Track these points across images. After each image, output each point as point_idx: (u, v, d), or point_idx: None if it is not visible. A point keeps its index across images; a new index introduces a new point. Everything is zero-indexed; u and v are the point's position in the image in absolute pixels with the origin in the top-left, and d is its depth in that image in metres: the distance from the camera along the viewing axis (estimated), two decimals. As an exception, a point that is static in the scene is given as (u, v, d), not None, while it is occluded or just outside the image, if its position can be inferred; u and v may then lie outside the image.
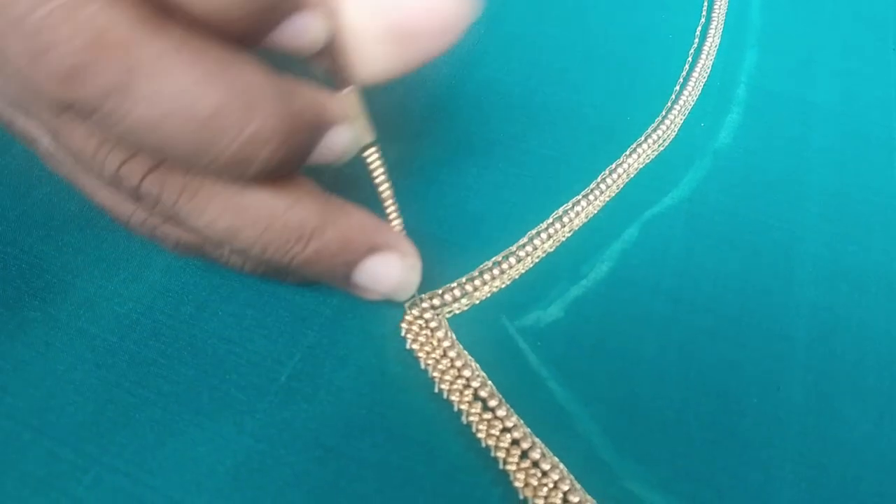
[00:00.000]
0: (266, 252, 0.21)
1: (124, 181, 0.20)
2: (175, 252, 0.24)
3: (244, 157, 0.19)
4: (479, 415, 0.22)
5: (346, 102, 0.21)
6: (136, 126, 0.18)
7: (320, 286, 0.25)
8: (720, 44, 0.35)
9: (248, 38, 0.19)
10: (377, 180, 0.24)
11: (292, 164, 0.20)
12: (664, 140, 0.31)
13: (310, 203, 0.21)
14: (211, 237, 0.21)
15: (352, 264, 0.23)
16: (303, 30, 0.20)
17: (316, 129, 0.20)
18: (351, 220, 0.22)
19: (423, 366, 0.23)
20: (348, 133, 0.22)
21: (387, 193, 0.24)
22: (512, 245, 0.26)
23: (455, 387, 0.23)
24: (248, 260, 0.23)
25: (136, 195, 0.21)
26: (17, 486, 0.21)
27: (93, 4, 0.17)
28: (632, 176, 0.29)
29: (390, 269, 0.23)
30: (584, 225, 0.28)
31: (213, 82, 0.18)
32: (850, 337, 0.25)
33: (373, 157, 0.23)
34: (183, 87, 0.17)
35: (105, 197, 0.23)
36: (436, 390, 0.23)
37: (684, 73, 0.33)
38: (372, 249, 0.23)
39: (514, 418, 0.22)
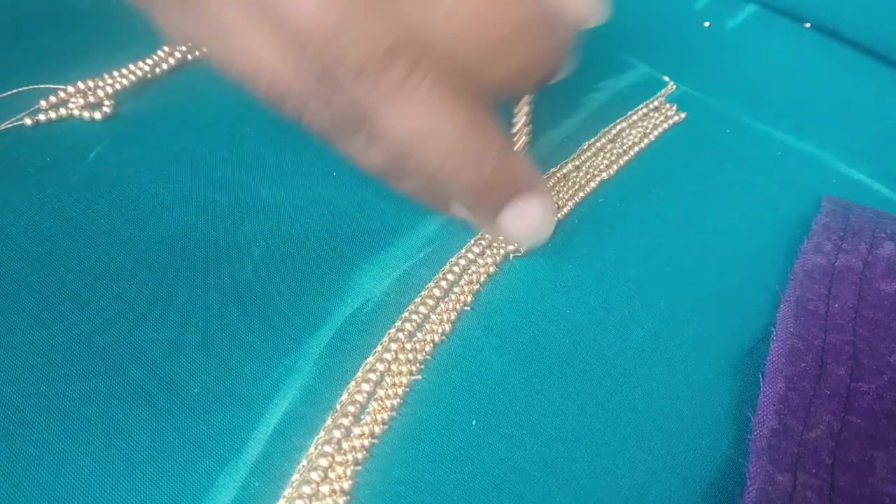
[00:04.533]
0: (442, 168, 0.21)
1: (343, 63, 0.20)
2: (316, 132, 0.24)
3: (530, 68, 0.20)
4: None
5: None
6: (437, 24, 0.19)
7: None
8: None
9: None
10: (516, 128, 0.26)
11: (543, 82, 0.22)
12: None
13: (495, 133, 0.22)
14: (399, 141, 0.21)
15: (509, 199, 0.24)
16: None
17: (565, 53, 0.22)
18: (518, 159, 0.23)
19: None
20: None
21: (523, 141, 0.26)
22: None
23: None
24: (403, 171, 0.24)
25: (342, 80, 0.20)
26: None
27: None
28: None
29: (534, 215, 0.24)
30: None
31: None
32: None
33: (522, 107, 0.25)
34: None
35: (263, 63, 0.22)
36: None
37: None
38: (529, 190, 0.24)
39: None
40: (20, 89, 0.31)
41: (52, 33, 0.34)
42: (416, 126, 0.21)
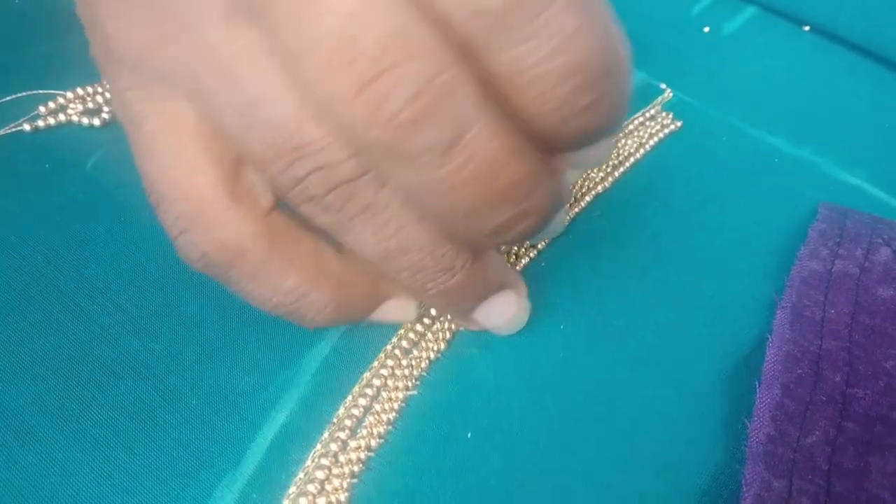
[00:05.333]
0: (413, 276, 0.21)
1: (309, 189, 0.19)
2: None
3: (507, 227, 0.19)
4: None
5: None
6: (430, 183, 0.17)
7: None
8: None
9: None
10: None
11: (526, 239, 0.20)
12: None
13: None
14: (370, 254, 0.21)
15: (481, 299, 0.24)
16: None
17: (558, 208, 0.20)
18: (488, 260, 0.22)
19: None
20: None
21: None
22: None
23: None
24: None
25: (305, 198, 0.19)
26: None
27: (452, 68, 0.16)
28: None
29: (509, 308, 0.24)
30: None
31: (521, 151, 0.18)
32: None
33: None
34: (498, 155, 0.17)
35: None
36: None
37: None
38: (502, 287, 0.24)
39: None
40: (19, 95, 0.31)
41: (51, 39, 0.34)
42: (383, 246, 0.20)
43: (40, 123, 0.30)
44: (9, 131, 0.30)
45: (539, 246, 0.29)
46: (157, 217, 0.21)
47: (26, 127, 0.30)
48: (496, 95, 0.17)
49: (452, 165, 0.17)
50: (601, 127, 0.18)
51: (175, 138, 0.20)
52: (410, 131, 0.16)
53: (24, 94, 0.31)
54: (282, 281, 0.21)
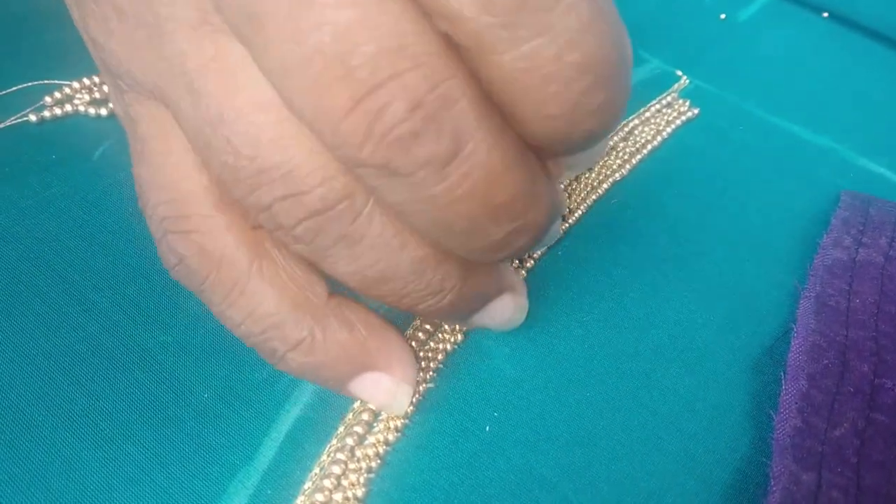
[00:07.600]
0: (400, 300, 0.20)
1: (276, 218, 0.18)
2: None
3: (505, 243, 0.18)
4: None
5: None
6: (425, 201, 0.16)
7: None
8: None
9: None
10: None
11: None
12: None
13: (453, 262, 0.20)
14: (349, 282, 0.20)
15: (477, 311, 0.22)
16: None
17: (556, 219, 0.20)
18: (487, 270, 0.22)
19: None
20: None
21: None
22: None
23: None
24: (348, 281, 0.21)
25: (274, 226, 0.19)
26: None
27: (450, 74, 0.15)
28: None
29: (504, 311, 0.23)
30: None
31: (520, 164, 0.17)
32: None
33: None
34: (497, 168, 0.16)
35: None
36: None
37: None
38: (499, 293, 0.23)
39: None
40: (25, 85, 0.30)
41: (58, 28, 0.34)
42: (361, 276, 0.19)
43: (46, 114, 0.30)
44: (15, 122, 0.29)
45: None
46: (147, 222, 0.21)
47: (32, 117, 0.29)
48: (497, 101, 0.16)
49: (450, 181, 0.16)
50: (609, 127, 0.17)
51: (163, 143, 0.20)
52: (407, 145, 0.15)
53: (29, 84, 0.30)
54: (256, 304, 0.20)
